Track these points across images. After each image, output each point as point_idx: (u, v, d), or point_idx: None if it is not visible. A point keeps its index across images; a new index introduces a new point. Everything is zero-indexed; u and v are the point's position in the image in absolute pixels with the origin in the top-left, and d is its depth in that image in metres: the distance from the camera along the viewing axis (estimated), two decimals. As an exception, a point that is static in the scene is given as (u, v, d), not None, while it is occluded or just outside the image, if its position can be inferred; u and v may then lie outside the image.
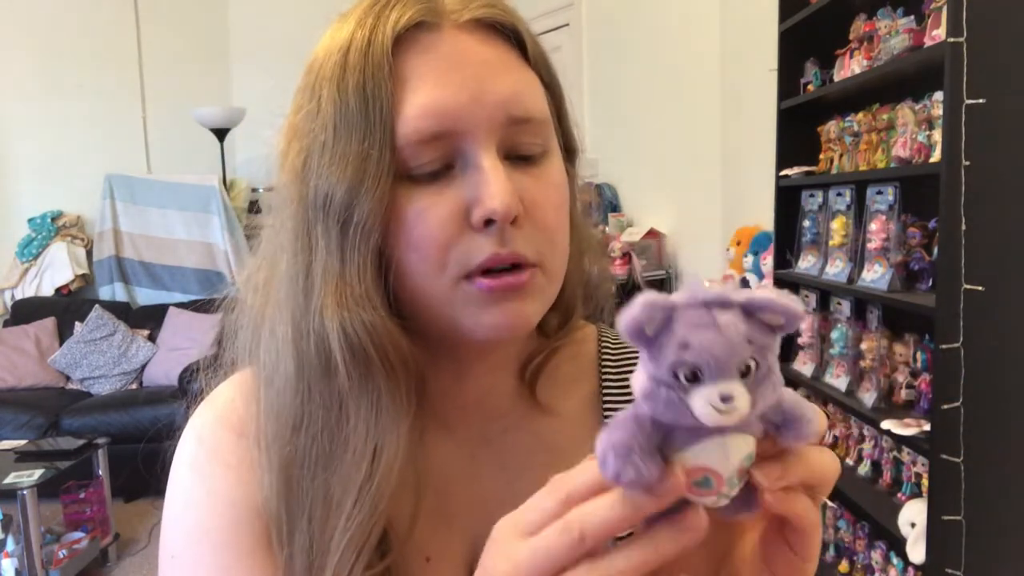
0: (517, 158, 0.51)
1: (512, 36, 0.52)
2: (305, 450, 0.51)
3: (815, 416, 0.35)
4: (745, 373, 0.33)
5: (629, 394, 0.57)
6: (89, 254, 4.86)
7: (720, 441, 0.34)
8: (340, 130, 0.49)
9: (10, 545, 2.80)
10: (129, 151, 4.96)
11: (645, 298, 0.34)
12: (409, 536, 0.51)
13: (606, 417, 0.60)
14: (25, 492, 2.71)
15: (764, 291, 0.34)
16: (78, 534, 3.07)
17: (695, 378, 0.32)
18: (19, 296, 4.71)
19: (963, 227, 1.46)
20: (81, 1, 4.82)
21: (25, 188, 4.78)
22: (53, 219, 4.77)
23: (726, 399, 0.32)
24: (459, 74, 0.49)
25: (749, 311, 0.33)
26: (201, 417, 0.58)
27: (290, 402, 0.52)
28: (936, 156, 1.60)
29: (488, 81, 0.49)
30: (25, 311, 4.58)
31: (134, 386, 4.40)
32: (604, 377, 0.62)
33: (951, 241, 1.47)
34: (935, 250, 1.65)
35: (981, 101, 1.43)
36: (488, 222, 0.48)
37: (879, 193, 1.84)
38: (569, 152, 0.59)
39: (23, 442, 3.32)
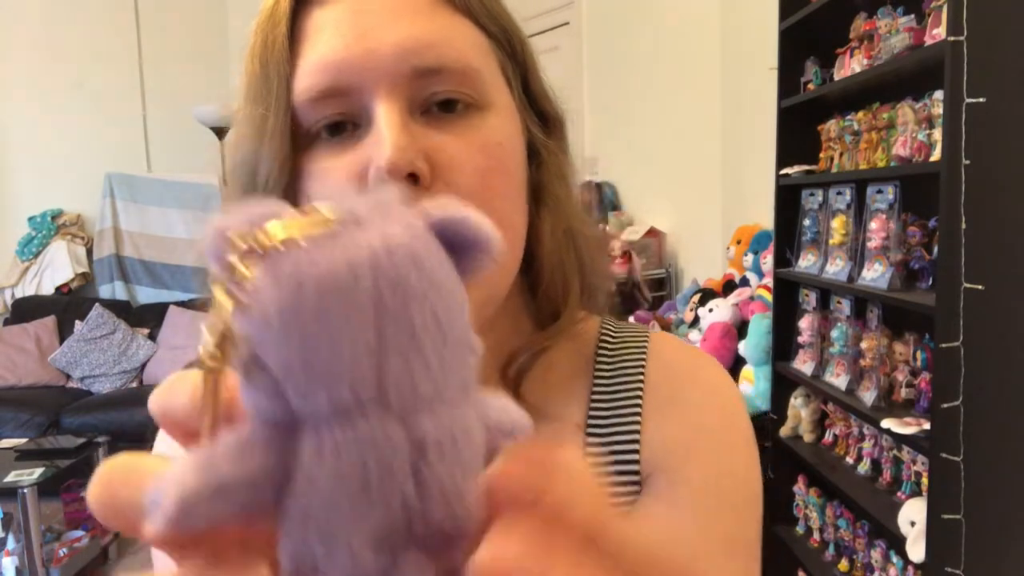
0: (437, 114, 0.45)
1: None
2: None
3: None
4: None
5: (621, 398, 0.54)
6: (89, 253, 4.86)
7: None
8: (249, 95, 0.48)
9: (11, 543, 2.81)
10: (129, 150, 4.96)
11: None
12: None
13: (591, 424, 0.53)
14: (25, 491, 2.71)
15: None
16: (78, 532, 3.07)
17: None
18: (19, 295, 4.71)
19: (963, 226, 1.45)
20: (81, 0, 4.82)
21: (25, 187, 4.78)
22: (53, 218, 4.77)
23: None
24: (357, 23, 0.45)
25: None
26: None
27: None
28: (936, 155, 1.60)
29: (387, 29, 0.44)
30: (25, 310, 4.58)
31: (134, 384, 4.40)
32: (597, 377, 0.55)
33: (951, 240, 1.47)
34: (935, 249, 1.65)
35: (981, 100, 1.43)
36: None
37: (879, 192, 1.84)
38: (544, 119, 0.52)
39: (23, 441, 3.32)
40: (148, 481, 0.20)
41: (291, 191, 0.46)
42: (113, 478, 0.21)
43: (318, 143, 0.46)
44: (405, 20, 0.45)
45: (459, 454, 0.19)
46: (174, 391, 0.22)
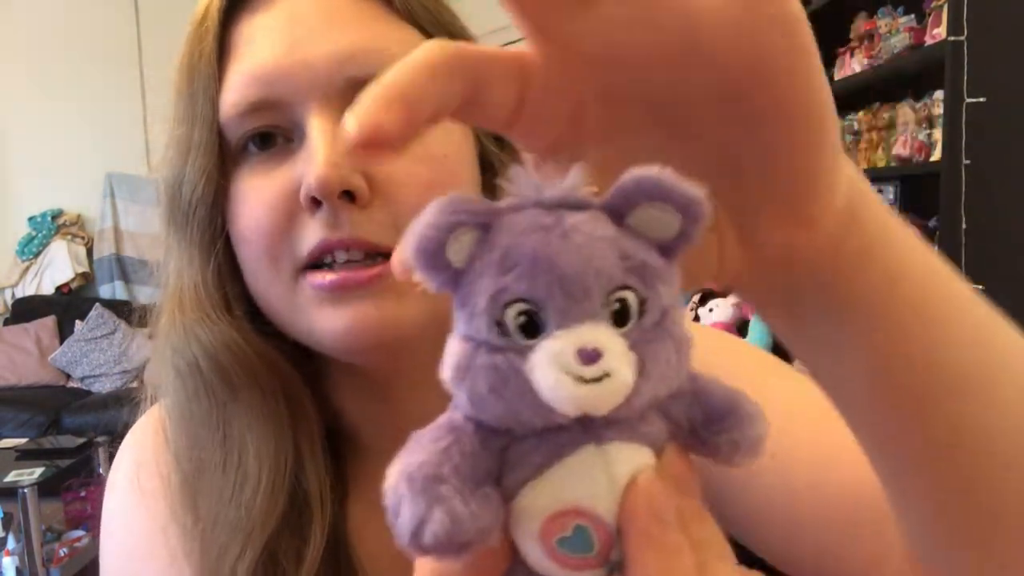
0: None
1: None
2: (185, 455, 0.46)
3: (757, 411, 0.21)
4: (621, 315, 0.19)
5: None
6: (89, 252, 4.86)
7: (595, 453, 0.19)
8: (176, 112, 0.45)
9: (11, 543, 2.81)
10: (129, 150, 4.96)
11: (444, 201, 0.20)
12: None
13: None
14: (26, 490, 2.71)
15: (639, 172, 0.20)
16: (79, 532, 3.07)
17: (533, 327, 0.18)
18: (19, 295, 4.71)
19: (963, 226, 1.46)
20: (81, 0, 4.82)
21: (25, 187, 4.79)
22: (53, 217, 4.78)
23: (589, 355, 0.18)
24: (289, 32, 0.42)
25: (619, 212, 0.20)
26: (134, 434, 0.54)
27: (170, 408, 0.48)
28: (936, 155, 1.60)
29: (320, 37, 0.41)
30: (25, 309, 4.58)
31: (135, 384, 4.40)
32: None
33: (951, 240, 1.47)
34: (935, 249, 1.65)
35: (981, 100, 1.43)
36: (316, 201, 0.40)
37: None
38: (496, 136, 0.47)
39: (24, 440, 3.33)
40: None
41: (215, 213, 0.43)
42: None
43: (247, 161, 0.43)
44: (340, 28, 0.42)
45: None
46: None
